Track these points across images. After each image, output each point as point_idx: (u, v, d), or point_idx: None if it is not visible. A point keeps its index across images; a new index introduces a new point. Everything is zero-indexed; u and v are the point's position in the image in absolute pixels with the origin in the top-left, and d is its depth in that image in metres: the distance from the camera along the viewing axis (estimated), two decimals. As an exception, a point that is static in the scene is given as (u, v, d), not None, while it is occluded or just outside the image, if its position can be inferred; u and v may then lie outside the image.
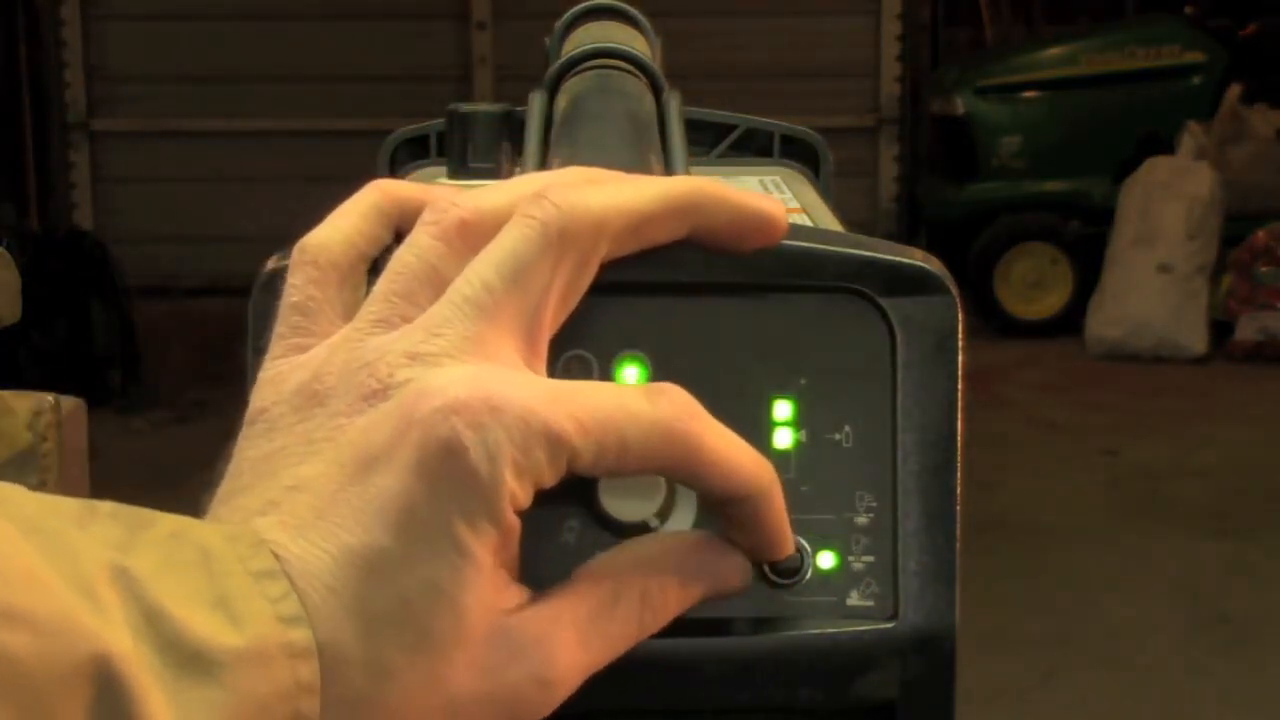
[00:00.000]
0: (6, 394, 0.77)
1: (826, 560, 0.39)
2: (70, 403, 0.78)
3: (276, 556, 0.32)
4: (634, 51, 0.61)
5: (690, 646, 0.39)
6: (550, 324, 0.36)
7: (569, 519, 0.39)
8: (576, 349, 0.39)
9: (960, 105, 5.58)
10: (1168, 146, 5.26)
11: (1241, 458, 4.06)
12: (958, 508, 0.39)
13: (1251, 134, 5.46)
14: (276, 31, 5.84)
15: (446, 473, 0.33)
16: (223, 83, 5.83)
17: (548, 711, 0.35)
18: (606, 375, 0.39)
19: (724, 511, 0.37)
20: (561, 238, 0.36)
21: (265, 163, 5.68)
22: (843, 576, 0.39)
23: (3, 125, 5.82)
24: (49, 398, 0.77)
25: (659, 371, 0.39)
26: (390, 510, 0.33)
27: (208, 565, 0.32)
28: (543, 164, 0.52)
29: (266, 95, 5.78)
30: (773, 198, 0.39)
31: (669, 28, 0.76)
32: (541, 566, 0.38)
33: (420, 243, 0.36)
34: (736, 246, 0.38)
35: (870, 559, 0.39)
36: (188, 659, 0.30)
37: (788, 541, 0.38)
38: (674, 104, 0.57)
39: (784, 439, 0.39)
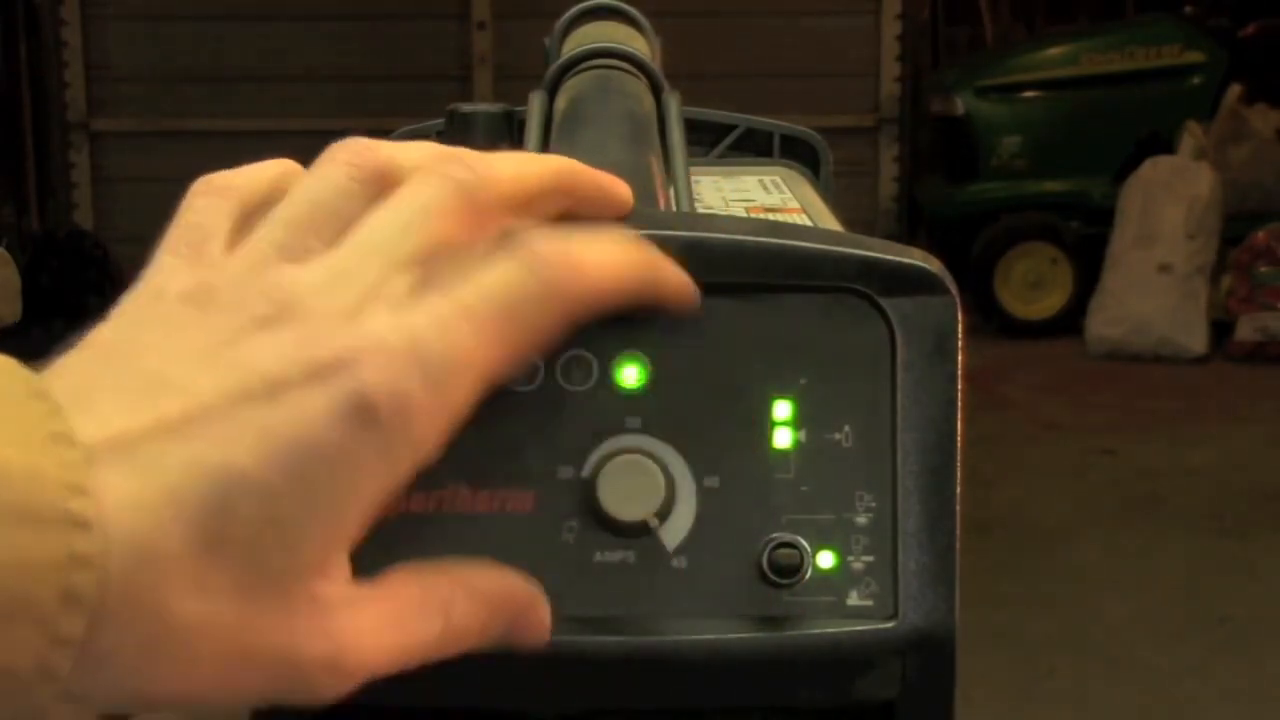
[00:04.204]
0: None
1: (826, 560, 0.39)
2: (70, 403, 0.78)
3: (117, 443, 0.31)
4: (634, 51, 0.61)
5: (690, 646, 0.39)
6: (499, 368, 0.35)
7: (569, 519, 0.39)
8: (576, 349, 0.39)
9: (960, 105, 5.58)
10: (1168, 146, 5.25)
11: (1241, 458, 4.06)
12: (958, 508, 0.39)
13: (1251, 134, 5.46)
14: (276, 31, 5.83)
15: (354, 422, 0.32)
16: (223, 83, 5.82)
17: (330, 698, 0.34)
18: (606, 375, 0.39)
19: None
20: (470, 198, 0.36)
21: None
22: (843, 576, 0.39)
23: (3, 125, 5.82)
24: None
25: (659, 371, 0.39)
26: (265, 435, 0.32)
27: (4, 422, 0.30)
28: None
29: (266, 95, 5.78)
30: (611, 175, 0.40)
31: (669, 28, 0.76)
32: (542, 567, 0.38)
33: (334, 178, 0.36)
34: (592, 217, 0.39)
35: (870, 559, 0.39)
36: None
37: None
38: (674, 104, 0.57)
39: (784, 439, 0.39)
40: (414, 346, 0.33)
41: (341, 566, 0.34)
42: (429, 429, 0.33)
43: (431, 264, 0.35)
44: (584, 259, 0.36)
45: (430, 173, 0.36)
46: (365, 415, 0.32)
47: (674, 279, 0.38)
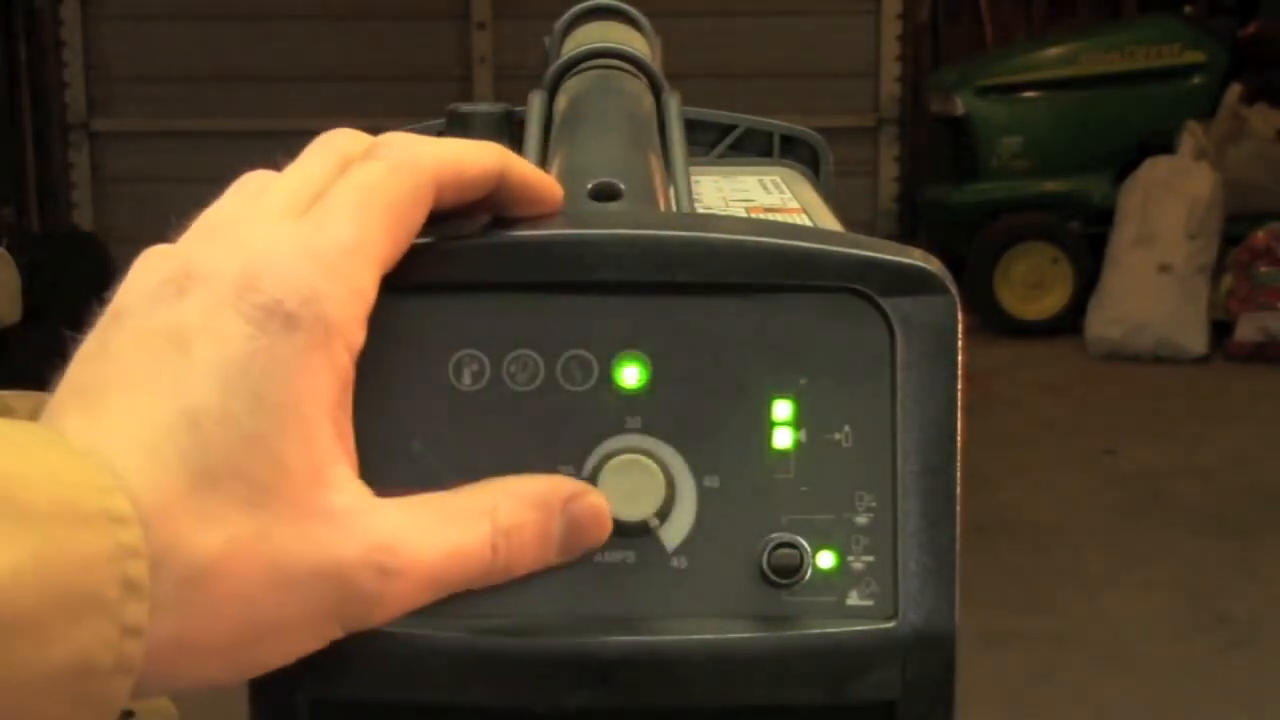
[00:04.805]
0: (6, 394, 0.77)
1: (826, 560, 0.39)
2: (70, 403, 0.78)
3: (90, 437, 0.33)
4: (634, 51, 0.61)
5: (690, 646, 0.39)
6: (388, 254, 0.37)
7: (569, 519, 0.39)
8: (576, 349, 0.39)
9: (960, 105, 5.58)
10: (1168, 146, 5.25)
11: (1241, 458, 4.06)
12: (958, 508, 0.39)
13: (1251, 134, 5.46)
14: (276, 31, 5.83)
15: (274, 327, 0.34)
16: (223, 83, 5.82)
17: (388, 610, 0.35)
18: (606, 374, 0.39)
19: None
20: (409, 176, 0.37)
21: (265, 163, 5.65)
22: (842, 576, 0.39)
23: (2, 125, 5.82)
24: (49, 398, 0.77)
25: (659, 371, 0.39)
26: (207, 370, 0.34)
27: (18, 448, 0.32)
28: (543, 164, 0.52)
29: (266, 95, 5.78)
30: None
31: (669, 28, 0.76)
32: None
33: (230, 199, 0.39)
34: (523, 212, 0.40)
35: (870, 559, 0.39)
36: (1, 506, 0.30)
37: (548, 179, 0.41)
38: (674, 104, 0.57)
39: (784, 439, 0.39)
40: (302, 247, 0.35)
41: (348, 479, 0.36)
42: (345, 316, 0.35)
43: (314, 201, 0.37)
44: (443, 149, 0.38)
45: (366, 160, 0.38)
46: (281, 317, 0.34)
47: (532, 171, 0.40)
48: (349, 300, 0.35)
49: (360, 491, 0.36)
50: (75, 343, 0.37)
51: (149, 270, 0.37)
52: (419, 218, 0.38)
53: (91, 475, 0.32)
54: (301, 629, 0.35)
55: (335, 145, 0.39)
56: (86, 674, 0.31)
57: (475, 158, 0.39)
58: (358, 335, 0.36)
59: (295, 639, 0.35)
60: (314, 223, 0.36)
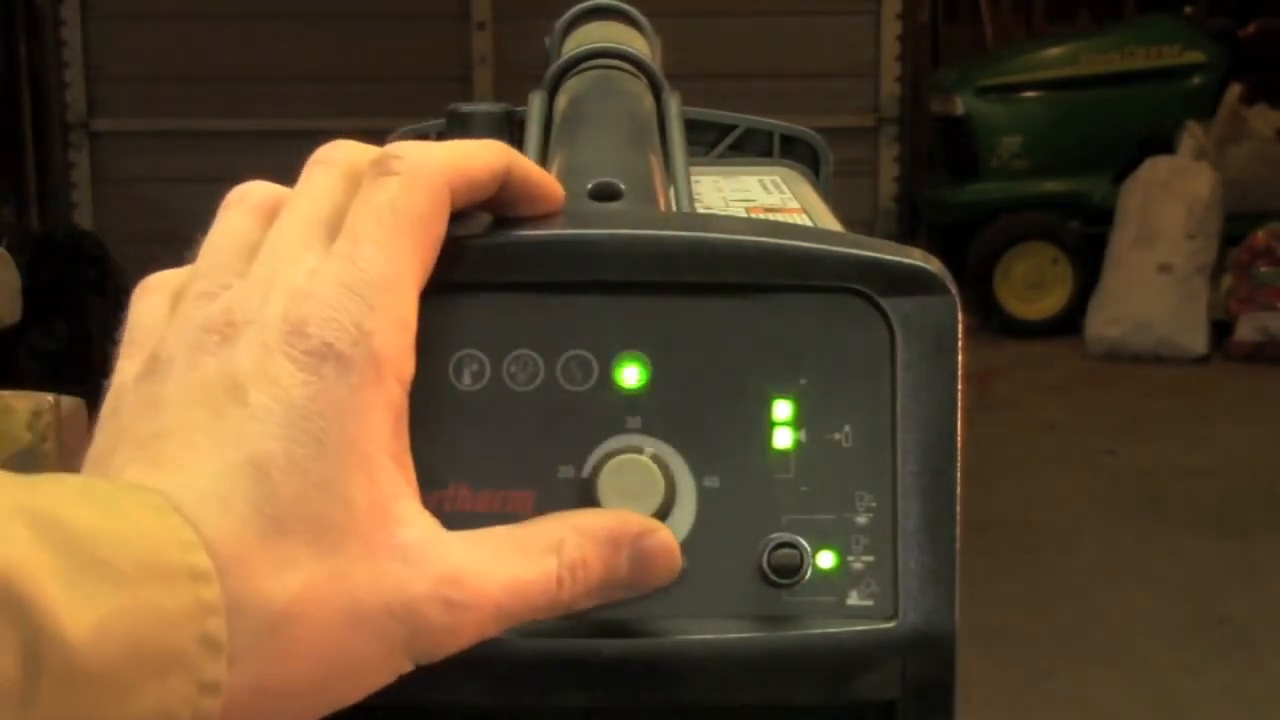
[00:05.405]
0: (6, 394, 0.77)
1: (826, 560, 0.39)
2: (70, 403, 0.78)
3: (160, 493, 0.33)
4: (634, 51, 0.61)
5: (690, 646, 0.39)
6: (421, 273, 0.37)
7: (569, 519, 0.39)
8: (576, 349, 0.39)
9: (960, 105, 5.58)
10: (1168, 146, 5.25)
11: (1241, 458, 4.06)
12: (958, 508, 0.39)
13: (1251, 134, 5.46)
14: (276, 31, 5.83)
15: (325, 368, 0.35)
16: (223, 83, 5.82)
17: (457, 641, 0.35)
18: (606, 374, 0.39)
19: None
20: (426, 189, 0.37)
21: (265, 163, 5.65)
22: (843, 576, 0.39)
23: (3, 125, 5.82)
24: (49, 398, 0.77)
25: (659, 371, 0.39)
26: (268, 418, 0.34)
27: (104, 504, 0.32)
28: (543, 164, 0.52)
29: (266, 95, 5.78)
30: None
31: (669, 28, 0.76)
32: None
33: (232, 222, 0.39)
34: (525, 211, 0.40)
35: (870, 559, 0.39)
36: (89, 563, 0.31)
37: (550, 179, 0.41)
38: (674, 104, 0.57)
39: (784, 439, 0.39)
40: (341, 285, 0.35)
41: (415, 513, 0.36)
42: (393, 349, 0.36)
43: (333, 224, 0.37)
44: (452, 154, 0.38)
45: (375, 176, 0.38)
46: (333, 361, 0.35)
47: (535, 170, 0.40)
48: (395, 333, 0.36)
49: (428, 523, 0.36)
50: (102, 389, 0.37)
51: (179, 315, 0.37)
52: (441, 228, 0.38)
53: (174, 532, 0.32)
54: (375, 665, 0.35)
55: (339, 159, 0.39)
56: None
57: (483, 159, 0.39)
58: (408, 366, 0.36)
59: (368, 676, 0.35)
60: (346, 256, 0.36)
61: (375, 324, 0.35)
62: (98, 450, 0.36)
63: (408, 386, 0.36)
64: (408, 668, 0.36)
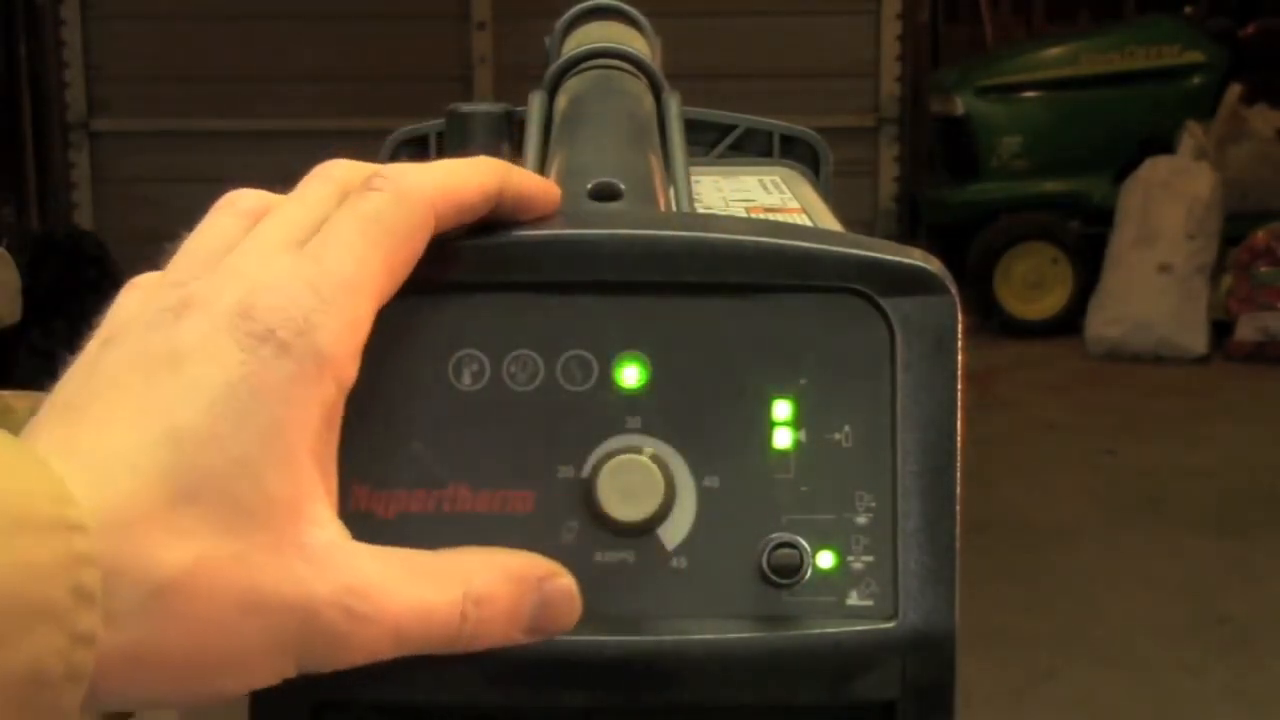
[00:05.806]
0: (6, 394, 0.77)
1: (826, 560, 0.39)
2: (70, 403, 0.78)
3: (69, 450, 0.33)
4: (634, 51, 0.61)
5: (690, 646, 0.39)
6: (388, 286, 0.37)
7: (569, 519, 0.39)
8: (576, 349, 0.39)
9: (960, 105, 5.58)
10: (1168, 146, 5.25)
11: (1241, 458, 4.06)
12: (958, 508, 0.39)
13: (1251, 134, 5.46)
14: (276, 31, 5.83)
15: (264, 352, 0.35)
16: (223, 83, 5.82)
17: (349, 655, 0.35)
18: (606, 374, 0.39)
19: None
20: (408, 207, 0.37)
21: (265, 163, 5.67)
22: (842, 576, 0.39)
23: (3, 125, 5.82)
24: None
25: (659, 371, 0.39)
26: (197, 390, 0.34)
27: None
28: (543, 164, 0.52)
29: (266, 95, 5.78)
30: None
31: (669, 28, 0.76)
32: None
33: (218, 222, 0.39)
34: (524, 219, 0.40)
35: (870, 559, 0.39)
36: None
37: (545, 183, 0.41)
38: (674, 104, 0.57)
39: (784, 439, 0.39)
40: (301, 279, 0.36)
41: (328, 517, 0.36)
42: (339, 349, 0.35)
43: (315, 233, 0.37)
44: (442, 176, 0.38)
45: (361, 193, 0.38)
46: (274, 345, 0.35)
47: (529, 180, 0.40)
48: (344, 333, 0.36)
49: (339, 531, 0.36)
50: (67, 363, 0.37)
51: (146, 299, 0.37)
52: (418, 248, 0.38)
53: (45, 484, 0.32)
54: (259, 660, 0.34)
55: (333, 175, 0.39)
56: (36, 682, 0.31)
57: (474, 182, 0.39)
58: (350, 370, 0.36)
59: (251, 670, 0.35)
60: (314, 255, 0.36)
61: (326, 320, 0.35)
62: (36, 416, 0.36)
63: (346, 391, 0.36)
64: (291, 673, 0.35)
